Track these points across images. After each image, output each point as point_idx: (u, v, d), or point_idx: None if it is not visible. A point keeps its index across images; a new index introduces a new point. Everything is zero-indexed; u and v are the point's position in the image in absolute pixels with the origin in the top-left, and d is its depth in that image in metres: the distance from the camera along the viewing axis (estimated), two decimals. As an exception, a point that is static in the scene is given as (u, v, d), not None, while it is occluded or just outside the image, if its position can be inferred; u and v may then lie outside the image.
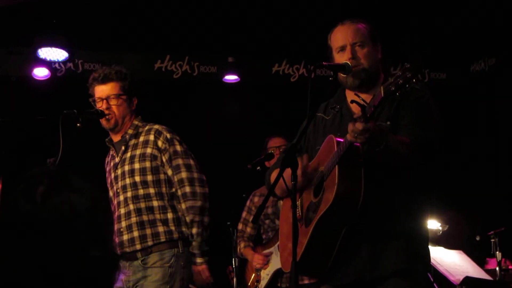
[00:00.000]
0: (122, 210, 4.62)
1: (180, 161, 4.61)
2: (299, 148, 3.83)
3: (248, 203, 6.80)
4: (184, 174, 4.59)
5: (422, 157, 3.50)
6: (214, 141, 8.73)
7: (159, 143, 4.62)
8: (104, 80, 4.71)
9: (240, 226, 6.80)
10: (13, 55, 8.42)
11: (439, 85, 9.20)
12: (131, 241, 4.54)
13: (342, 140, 3.44)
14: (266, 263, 6.44)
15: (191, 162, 4.65)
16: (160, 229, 4.54)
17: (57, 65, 8.54)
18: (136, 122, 4.76)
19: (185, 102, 8.79)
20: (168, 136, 4.64)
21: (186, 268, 4.56)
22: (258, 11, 8.01)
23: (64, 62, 8.51)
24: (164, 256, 4.51)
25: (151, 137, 4.65)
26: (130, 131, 4.73)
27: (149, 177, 4.60)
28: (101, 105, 4.69)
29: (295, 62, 9.24)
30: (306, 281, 5.89)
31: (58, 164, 4.35)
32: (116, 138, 4.80)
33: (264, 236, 6.66)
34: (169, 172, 4.62)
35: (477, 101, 9.11)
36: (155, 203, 4.58)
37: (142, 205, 4.56)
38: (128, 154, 4.69)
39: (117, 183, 4.70)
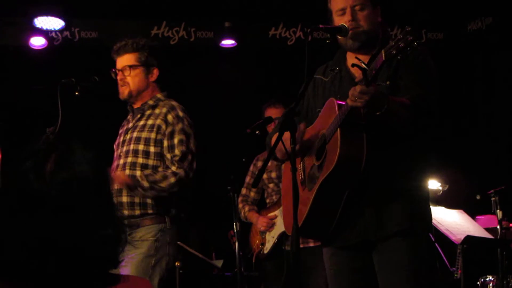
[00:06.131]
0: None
1: (182, 137, 4.61)
2: (298, 112, 3.83)
3: (251, 167, 6.79)
4: (177, 151, 4.59)
5: (422, 117, 3.51)
6: (212, 106, 8.73)
7: (169, 116, 4.64)
8: (119, 52, 4.79)
9: (243, 191, 6.80)
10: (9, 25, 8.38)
11: (436, 45, 9.16)
12: (119, 205, 4.52)
13: (343, 103, 3.45)
14: (271, 226, 6.45)
15: (192, 146, 4.65)
16: (149, 201, 4.54)
17: (53, 34, 8.50)
18: (158, 95, 4.80)
19: (182, 68, 8.76)
20: (181, 114, 4.67)
21: (172, 244, 4.58)
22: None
23: (61, 30, 8.46)
24: (151, 230, 4.52)
25: (164, 110, 4.68)
26: (150, 102, 4.77)
27: (152, 149, 4.61)
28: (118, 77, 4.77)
29: (291, 25, 9.18)
30: (311, 244, 5.91)
31: (58, 133, 4.36)
32: (136, 104, 4.84)
33: (268, 200, 6.66)
34: (165, 143, 4.62)
35: (475, 60, 9.09)
36: None
37: (138, 173, 4.56)
38: (141, 122, 4.72)
39: (122, 146, 4.72)
